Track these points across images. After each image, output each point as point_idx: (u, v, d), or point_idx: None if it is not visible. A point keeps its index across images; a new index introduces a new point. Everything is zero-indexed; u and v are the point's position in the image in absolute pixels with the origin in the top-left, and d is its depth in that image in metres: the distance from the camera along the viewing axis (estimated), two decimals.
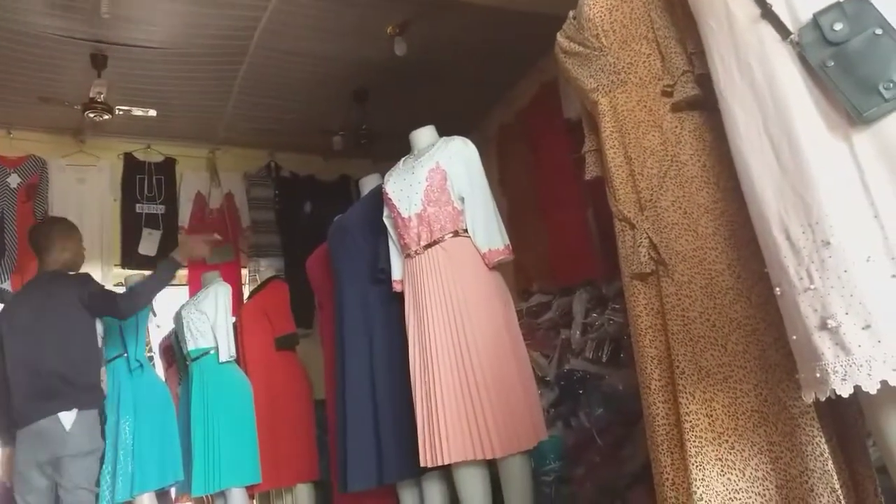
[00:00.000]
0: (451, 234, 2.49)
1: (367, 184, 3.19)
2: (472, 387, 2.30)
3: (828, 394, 1.25)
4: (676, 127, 1.75)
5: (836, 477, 1.40)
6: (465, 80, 4.69)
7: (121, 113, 4.24)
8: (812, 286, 1.27)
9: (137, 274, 4.02)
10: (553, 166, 4.35)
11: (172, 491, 3.79)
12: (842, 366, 1.22)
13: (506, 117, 5.13)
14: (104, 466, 3.36)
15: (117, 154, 5.10)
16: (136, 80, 4.35)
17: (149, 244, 4.97)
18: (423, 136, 2.74)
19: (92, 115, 4.09)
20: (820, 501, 1.40)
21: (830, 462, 1.41)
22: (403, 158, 2.76)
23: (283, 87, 4.68)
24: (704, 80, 1.63)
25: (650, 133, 1.77)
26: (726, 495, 1.54)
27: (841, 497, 1.39)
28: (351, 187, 5.49)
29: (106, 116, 4.12)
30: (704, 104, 1.71)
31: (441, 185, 2.50)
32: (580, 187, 3.63)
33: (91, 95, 4.01)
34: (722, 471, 1.56)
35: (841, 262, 1.23)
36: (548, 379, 3.36)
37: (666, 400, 1.69)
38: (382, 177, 2.84)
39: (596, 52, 1.87)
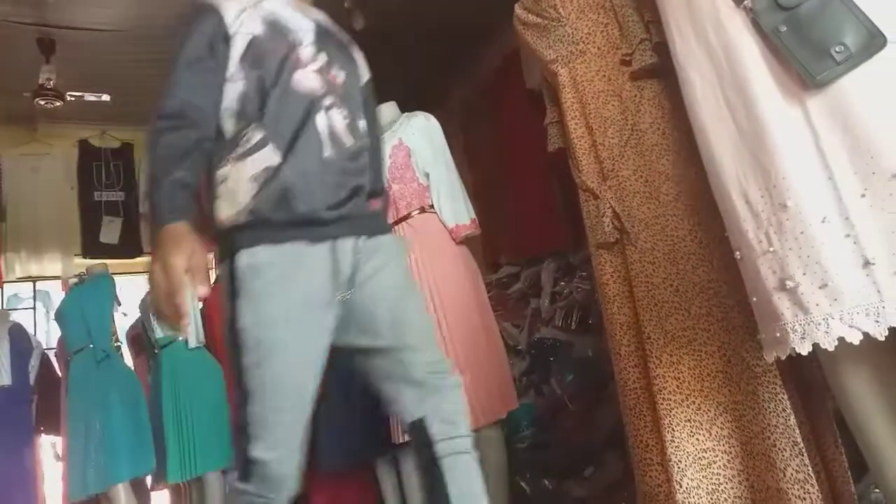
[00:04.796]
0: (417, 211, 2.48)
1: None
2: None
3: (788, 352, 1.29)
4: (636, 96, 1.77)
5: (798, 431, 1.45)
6: (426, 52, 4.64)
7: (72, 99, 4.13)
8: (771, 248, 1.30)
9: (100, 263, 3.94)
10: (517, 138, 4.35)
11: (148, 480, 3.78)
12: (800, 325, 1.26)
13: (469, 90, 5.10)
14: (75, 459, 3.33)
15: (72, 141, 4.98)
16: (88, 65, 4.23)
17: (110, 232, 4.88)
18: (385, 112, 2.71)
19: (42, 103, 3.98)
20: (783, 455, 1.45)
21: (793, 417, 1.46)
22: None
23: None
24: (662, 49, 1.64)
25: (610, 103, 1.79)
26: (696, 455, 1.59)
27: (803, 450, 1.44)
28: None
29: (57, 103, 4.01)
30: (662, 72, 1.72)
31: (405, 161, 2.49)
32: (545, 158, 3.64)
33: (40, 82, 3.90)
34: (691, 432, 1.60)
35: (798, 223, 1.26)
36: (519, 348, 3.39)
37: (636, 365, 1.72)
38: None
39: (554, 23, 1.87)
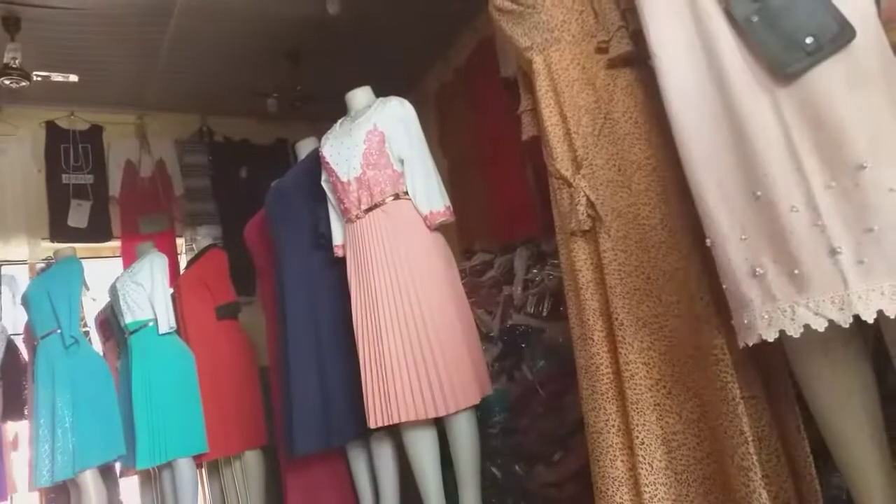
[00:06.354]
0: (391, 197, 2.48)
1: (304, 147, 3.14)
2: (418, 347, 2.32)
3: (755, 339, 1.31)
4: (609, 84, 1.78)
5: (745, 420, 1.49)
6: (401, 37, 4.61)
7: (39, 79, 4.03)
8: (744, 236, 1.32)
9: (68, 247, 3.87)
10: (492, 125, 4.35)
11: (117, 466, 3.74)
12: (768, 312, 1.29)
13: (444, 75, 5.08)
14: (42, 445, 3.29)
15: (38, 122, 4.87)
16: (54, 44, 4.13)
17: (78, 215, 4.79)
18: (359, 97, 2.70)
19: (8, 82, 3.88)
20: (731, 443, 1.50)
21: (741, 406, 1.50)
22: (340, 121, 2.72)
23: (213, 49, 4.51)
24: (638, 37, 1.65)
25: (584, 91, 1.79)
26: (664, 437, 1.62)
27: (749, 439, 1.47)
28: (288, 151, 5.39)
29: (23, 83, 3.91)
30: (637, 61, 1.74)
31: (379, 147, 2.48)
32: (519, 145, 3.66)
33: (5, 61, 3.80)
34: (661, 415, 1.63)
35: (768, 212, 1.29)
36: (492, 335, 3.41)
37: (608, 350, 1.74)
38: (319, 140, 2.80)
39: (529, 10, 1.86)
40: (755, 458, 1.46)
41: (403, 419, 2.32)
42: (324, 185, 2.69)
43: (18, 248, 4.65)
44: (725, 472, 1.53)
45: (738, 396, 1.50)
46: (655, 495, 1.60)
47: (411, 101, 2.61)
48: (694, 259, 1.58)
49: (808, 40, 1.24)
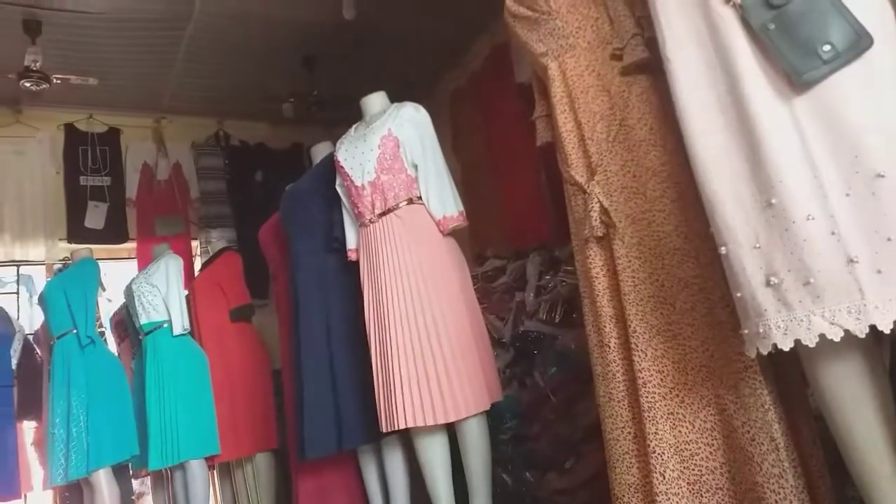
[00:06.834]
0: (405, 202, 2.48)
1: (319, 152, 3.15)
2: (429, 353, 2.32)
3: (769, 348, 1.30)
4: (624, 91, 1.77)
5: (776, 426, 1.47)
6: (416, 43, 4.63)
7: (58, 82, 4.08)
8: (758, 245, 1.31)
9: (85, 248, 3.91)
10: (506, 130, 4.35)
11: (129, 466, 3.77)
12: (783, 321, 1.27)
13: (458, 81, 5.08)
14: (56, 444, 3.32)
15: (57, 125, 4.93)
16: (74, 47, 4.18)
17: (96, 217, 4.85)
18: (374, 102, 2.71)
19: (28, 84, 3.94)
20: (760, 449, 1.48)
21: (772, 412, 1.48)
22: (355, 125, 2.73)
23: (230, 53, 4.55)
24: (653, 44, 1.64)
25: (599, 98, 1.79)
26: (677, 447, 1.61)
27: (780, 445, 1.46)
28: (303, 155, 5.41)
29: (43, 85, 3.97)
30: (652, 68, 1.73)
31: (394, 152, 2.49)
32: (533, 151, 3.65)
33: (26, 63, 3.85)
34: (674, 424, 1.62)
35: (783, 220, 1.27)
36: (504, 341, 3.40)
37: (624, 357, 1.74)
38: (334, 144, 2.81)
39: (544, 16, 1.87)
40: (787, 464, 1.45)
41: (412, 425, 2.32)
42: (338, 189, 2.70)
43: (36, 249, 4.71)
44: (745, 482, 1.52)
45: (768, 402, 1.49)
46: None
47: (426, 107, 2.61)
48: (716, 266, 1.57)
49: (826, 48, 1.23)
